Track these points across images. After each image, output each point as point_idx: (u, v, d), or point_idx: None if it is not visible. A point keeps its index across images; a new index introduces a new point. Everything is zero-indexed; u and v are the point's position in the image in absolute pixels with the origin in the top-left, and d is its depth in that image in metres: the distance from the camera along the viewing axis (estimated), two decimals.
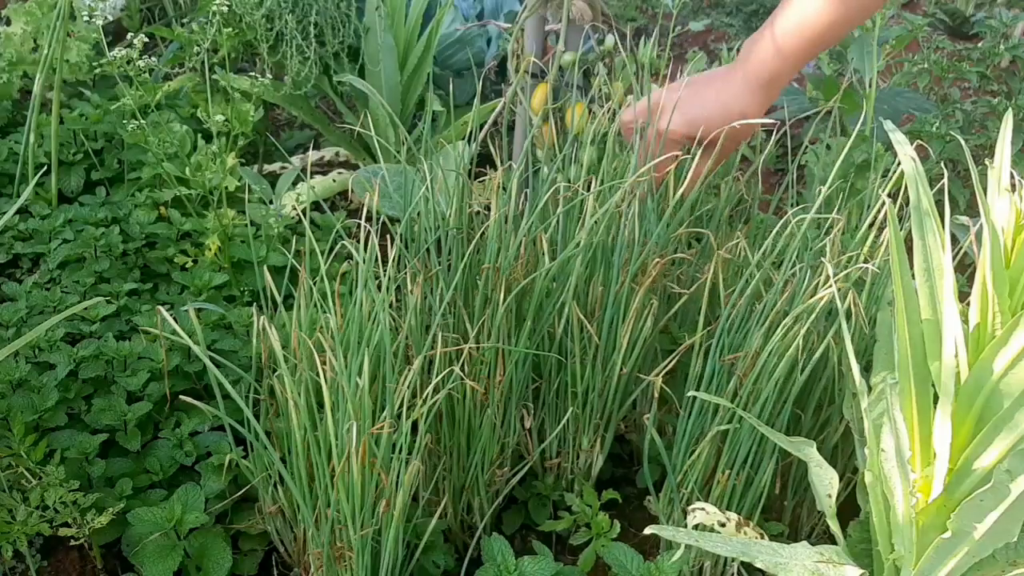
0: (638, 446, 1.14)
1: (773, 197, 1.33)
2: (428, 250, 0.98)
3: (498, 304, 0.91)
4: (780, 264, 0.96)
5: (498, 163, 1.06)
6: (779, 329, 0.89)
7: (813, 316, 0.93)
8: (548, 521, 1.03)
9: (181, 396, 0.87)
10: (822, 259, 1.00)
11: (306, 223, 0.88)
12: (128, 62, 1.16)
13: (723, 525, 0.83)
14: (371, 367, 0.91)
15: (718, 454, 0.95)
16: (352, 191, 1.42)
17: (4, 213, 1.12)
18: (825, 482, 0.83)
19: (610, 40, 1.27)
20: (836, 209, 1.10)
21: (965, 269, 1.27)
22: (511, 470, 1.01)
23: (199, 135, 1.41)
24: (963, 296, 0.77)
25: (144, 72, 1.23)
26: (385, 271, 0.84)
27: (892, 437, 0.77)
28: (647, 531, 0.74)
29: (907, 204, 0.83)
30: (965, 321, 0.73)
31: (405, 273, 0.92)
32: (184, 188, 1.27)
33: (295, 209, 1.35)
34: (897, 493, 0.76)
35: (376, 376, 0.90)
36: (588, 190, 0.99)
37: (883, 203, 0.88)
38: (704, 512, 0.84)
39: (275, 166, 1.56)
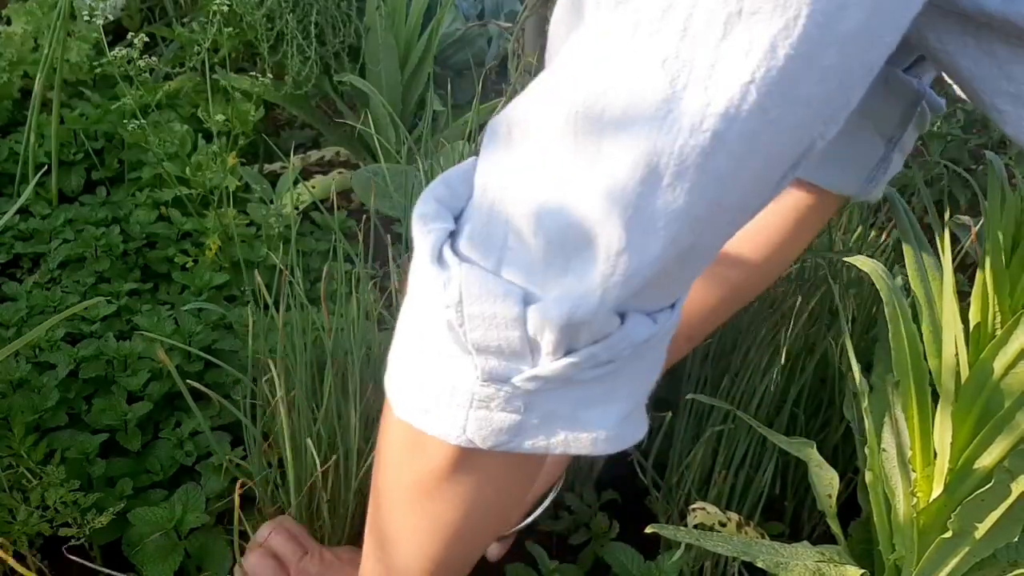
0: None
1: None
2: None
3: None
4: None
5: None
6: (778, 328, 0.89)
7: (812, 315, 0.93)
8: (548, 521, 1.03)
9: (192, 384, 0.86)
10: (821, 258, 1.00)
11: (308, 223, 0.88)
12: (128, 62, 1.16)
13: (723, 525, 0.83)
14: (370, 368, 0.91)
15: (715, 454, 0.94)
16: (352, 191, 1.42)
17: (4, 213, 1.12)
18: (825, 482, 0.83)
19: None
20: None
21: (966, 269, 1.27)
22: None
23: (199, 135, 1.40)
24: (963, 295, 0.77)
25: (144, 72, 1.22)
26: (385, 271, 0.84)
27: (893, 437, 0.77)
28: (647, 530, 0.74)
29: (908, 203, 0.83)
30: (965, 321, 0.73)
31: (404, 274, 0.92)
32: (184, 188, 1.27)
33: (296, 209, 1.35)
34: (898, 493, 0.76)
35: (375, 377, 0.90)
36: None
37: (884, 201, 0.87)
38: (704, 512, 0.84)
39: (275, 166, 1.56)
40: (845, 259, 0.79)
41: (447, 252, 0.46)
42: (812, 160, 0.44)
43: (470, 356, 0.46)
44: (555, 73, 0.42)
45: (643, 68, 0.38)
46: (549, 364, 0.46)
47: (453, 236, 0.47)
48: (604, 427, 0.50)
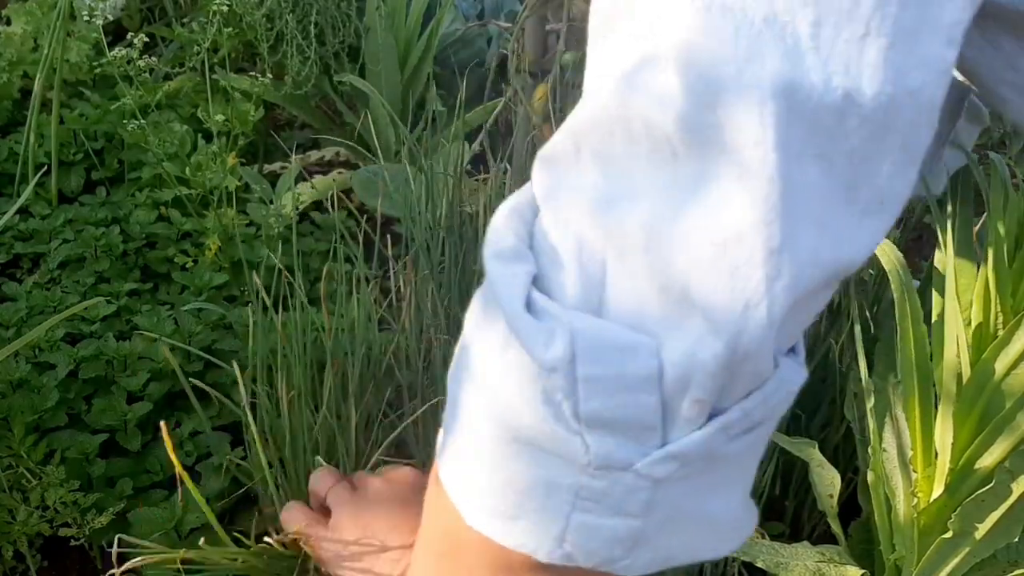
0: None
1: None
2: (428, 250, 0.98)
3: None
4: None
5: (492, 163, 1.06)
6: None
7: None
8: None
9: (194, 382, 0.86)
10: None
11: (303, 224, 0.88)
12: (128, 62, 1.16)
13: None
14: (370, 368, 0.91)
15: None
16: (352, 191, 1.42)
17: (4, 213, 1.12)
18: (827, 482, 0.83)
19: None
20: None
21: None
22: None
23: (199, 135, 1.40)
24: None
25: (144, 72, 1.22)
26: (383, 271, 0.84)
27: (894, 437, 0.77)
28: None
29: None
30: (967, 321, 0.73)
31: (401, 274, 0.92)
32: (184, 188, 1.27)
33: (295, 209, 1.35)
34: (898, 493, 0.76)
35: (375, 377, 0.90)
36: None
37: None
38: None
39: (275, 166, 1.56)
40: None
41: (541, 298, 0.36)
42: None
43: (578, 436, 0.35)
44: (638, 72, 0.34)
45: (749, 38, 0.32)
46: (691, 435, 0.35)
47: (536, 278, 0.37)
48: (728, 518, 0.39)
